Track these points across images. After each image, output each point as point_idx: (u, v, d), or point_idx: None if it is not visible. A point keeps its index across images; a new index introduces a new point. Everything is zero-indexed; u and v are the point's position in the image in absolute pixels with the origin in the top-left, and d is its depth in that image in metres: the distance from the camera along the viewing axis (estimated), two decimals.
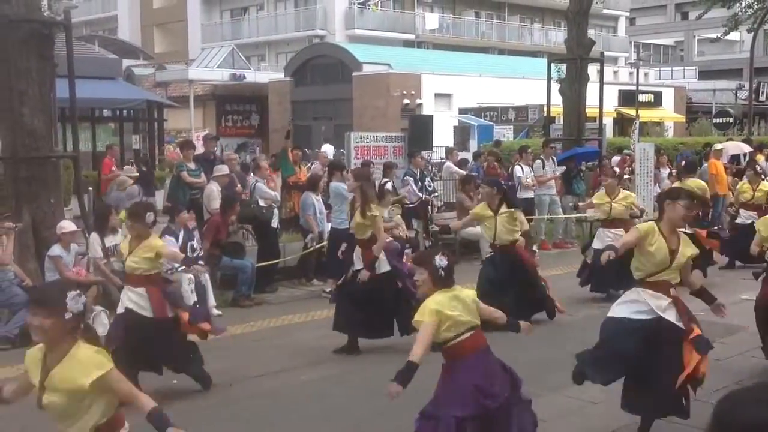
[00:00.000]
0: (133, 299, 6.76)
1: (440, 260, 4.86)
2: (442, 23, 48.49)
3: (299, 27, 46.34)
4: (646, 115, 38.07)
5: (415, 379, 4.61)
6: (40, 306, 3.58)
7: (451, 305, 4.80)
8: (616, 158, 17.54)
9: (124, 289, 6.97)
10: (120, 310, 6.92)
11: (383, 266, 8.10)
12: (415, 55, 41.28)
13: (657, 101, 42.28)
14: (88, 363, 3.53)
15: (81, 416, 3.57)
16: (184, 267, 9.84)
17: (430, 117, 16.67)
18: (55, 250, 9.28)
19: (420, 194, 13.77)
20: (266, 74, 40.70)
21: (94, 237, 9.67)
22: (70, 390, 3.51)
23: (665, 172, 17.28)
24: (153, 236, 7.08)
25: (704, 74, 51.80)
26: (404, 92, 34.08)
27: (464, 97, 34.49)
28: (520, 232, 9.04)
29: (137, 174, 15.81)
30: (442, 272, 4.85)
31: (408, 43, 46.06)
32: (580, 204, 12.98)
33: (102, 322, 9.15)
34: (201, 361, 7.02)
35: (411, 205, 13.66)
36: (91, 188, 14.68)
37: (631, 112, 36.83)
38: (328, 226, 11.70)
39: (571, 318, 9.20)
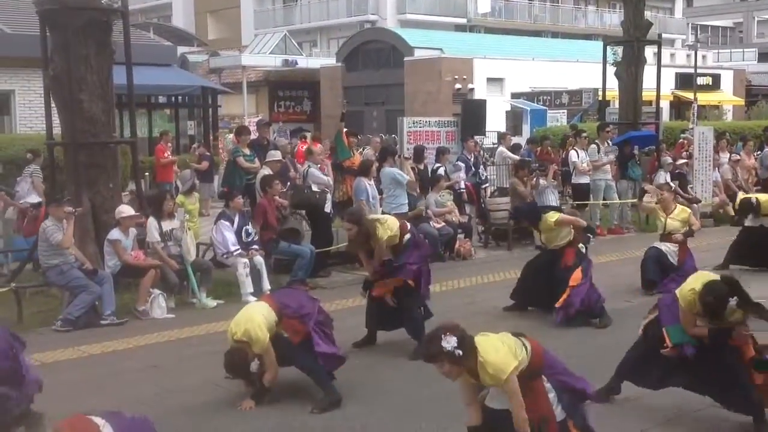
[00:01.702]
0: None
1: (449, 342, 4.38)
2: (495, 6, 48.05)
3: (351, 12, 46.36)
4: (704, 98, 37.30)
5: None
6: None
7: (510, 347, 4.58)
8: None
9: None
10: None
11: None
12: (467, 40, 41.01)
13: (715, 84, 41.37)
14: None
15: None
16: (239, 251, 10.00)
17: (483, 102, 16.58)
18: (114, 234, 9.44)
19: (463, 184, 13.63)
20: (318, 60, 40.83)
21: (151, 221, 9.82)
22: None
23: (725, 156, 16.90)
24: None
25: (764, 56, 50.42)
26: (456, 77, 33.88)
27: (517, 81, 34.18)
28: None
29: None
30: (460, 352, 4.41)
31: (460, 27, 45.76)
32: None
33: (160, 305, 9.34)
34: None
35: (461, 191, 13.61)
36: (147, 173, 14.90)
37: (689, 95, 36.08)
38: (380, 211, 11.70)
39: (629, 304, 9.08)
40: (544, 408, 4.57)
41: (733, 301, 5.44)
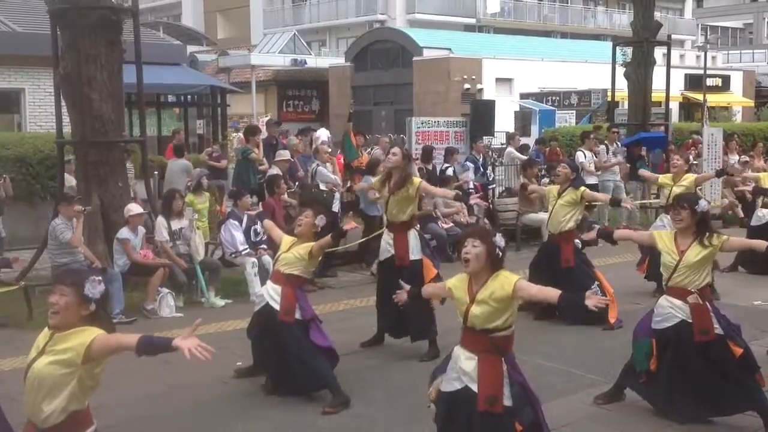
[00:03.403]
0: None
1: (500, 240, 4.63)
2: (504, 7, 47.97)
3: (360, 12, 46.36)
4: (714, 99, 37.19)
5: None
6: (60, 283, 3.76)
7: None
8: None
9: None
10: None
11: (415, 253, 7.60)
12: (475, 40, 40.96)
13: (725, 85, 41.25)
14: (83, 333, 3.70)
15: (57, 393, 3.66)
16: (248, 250, 10.02)
17: (492, 102, 16.54)
18: (123, 232, 9.47)
19: (472, 184, 13.61)
20: (327, 59, 40.87)
21: (160, 220, 9.85)
22: (64, 356, 3.63)
23: (734, 158, 16.83)
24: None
25: None
26: (465, 77, 33.86)
27: (526, 81, 34.15)
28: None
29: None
30: (500, 252, 4.60)
31: (469, 27, 45.69)
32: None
33: (168, 304, 9.37)
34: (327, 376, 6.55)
35: (470, 191, 13.59)
36: (156, 172, 14.91)
37: (698, 96, 35.99)
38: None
39: (638, 306, 9.06)
40: (496, 387, 4.56)
41: None
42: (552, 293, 4.60)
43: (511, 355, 4.68)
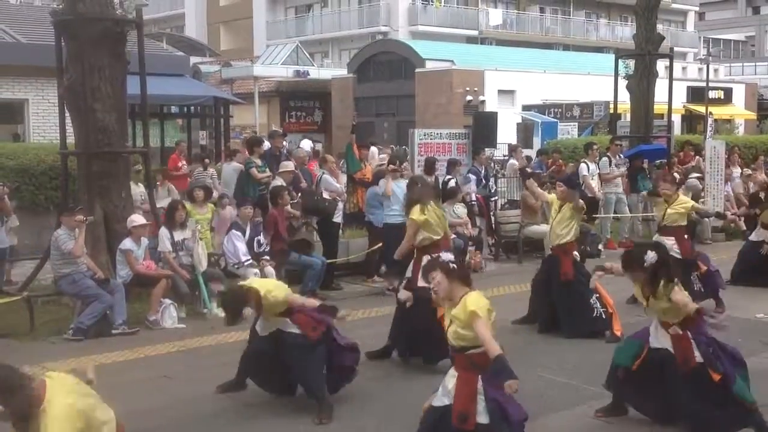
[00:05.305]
0: None
1: (446, 254, 4.96)
2: (506, 19, 48.13)
3: (362, 23, 46.49)
4: (716, 112, 37.20)
5: None
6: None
7: (491, 314, 4.78)
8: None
9: None
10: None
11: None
12: (478, 52, 41.03)
13: (727, 98, 41.25)
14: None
15: None
16: (251, 261, 10.03)
17: (495, 114, 16.56)
18: (126, 243, 9.48)
19: (474, 196, 13.62)
20: (329, 71, 40.97)
21: (163, 231, 9.86)
22: None
23: (736, 171, 16.83)
24: None
25: None
26: (467, 89, 33.87)
27: (528, 93, 34.17)
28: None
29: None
30: (455, 266, 4.81)
31: (471, 39, 45.82)
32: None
33: (171, 315, 9.37)
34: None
35: (473, 203, 13.60)
36: (158, 183, 14.91)
37: (700, 108, 36.04)
38: None
39: (639, 319, 9.04)
40: (467, 404, 4.60)
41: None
42: (492, 348, 4.57)
43: (490, 371, 4.70)
